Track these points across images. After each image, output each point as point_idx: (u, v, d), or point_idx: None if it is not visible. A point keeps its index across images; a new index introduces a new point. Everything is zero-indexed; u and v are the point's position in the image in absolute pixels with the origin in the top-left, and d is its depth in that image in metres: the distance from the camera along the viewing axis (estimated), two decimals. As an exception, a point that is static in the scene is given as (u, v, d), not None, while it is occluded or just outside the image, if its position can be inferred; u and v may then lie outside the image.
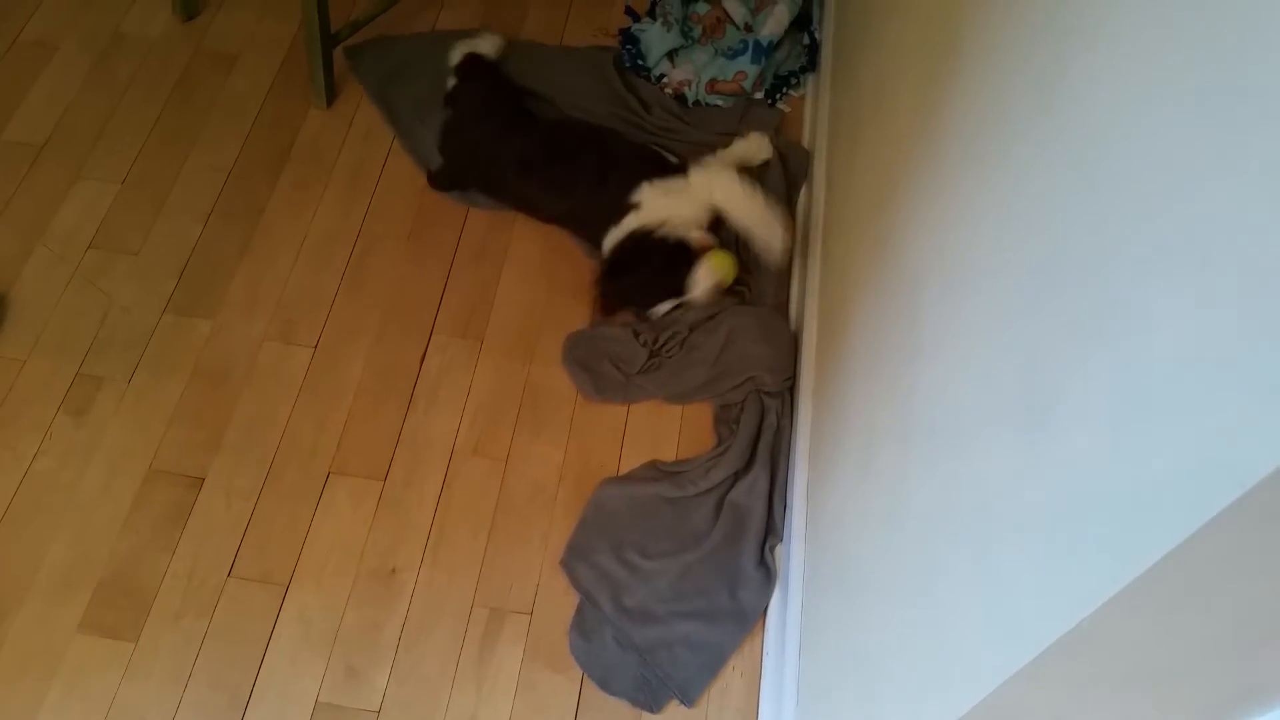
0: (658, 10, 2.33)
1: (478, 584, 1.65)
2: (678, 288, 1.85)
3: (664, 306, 1.87)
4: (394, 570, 1.66)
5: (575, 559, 1.67)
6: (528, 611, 1.63)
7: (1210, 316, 0.53)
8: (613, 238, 1.88)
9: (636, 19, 2.33)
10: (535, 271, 1.99)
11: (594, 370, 1.84)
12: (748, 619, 1.61)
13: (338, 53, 2.19)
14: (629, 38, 2.29)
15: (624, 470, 1.77)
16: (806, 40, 2.28)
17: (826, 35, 2.25)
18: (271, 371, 1.85)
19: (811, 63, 2.28)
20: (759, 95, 2.23)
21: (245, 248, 2.00)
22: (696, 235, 1.86)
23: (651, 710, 1.55)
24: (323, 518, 1.71)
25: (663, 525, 1.68)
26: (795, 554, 1.59)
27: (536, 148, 1.97)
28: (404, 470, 1.76)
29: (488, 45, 2.18)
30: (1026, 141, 0.85)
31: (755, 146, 2.05)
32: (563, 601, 1.64)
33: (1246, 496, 0.49)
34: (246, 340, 1.89)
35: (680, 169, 1.93)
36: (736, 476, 1.71)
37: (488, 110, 2.05)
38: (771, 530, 1.67)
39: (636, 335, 1.86)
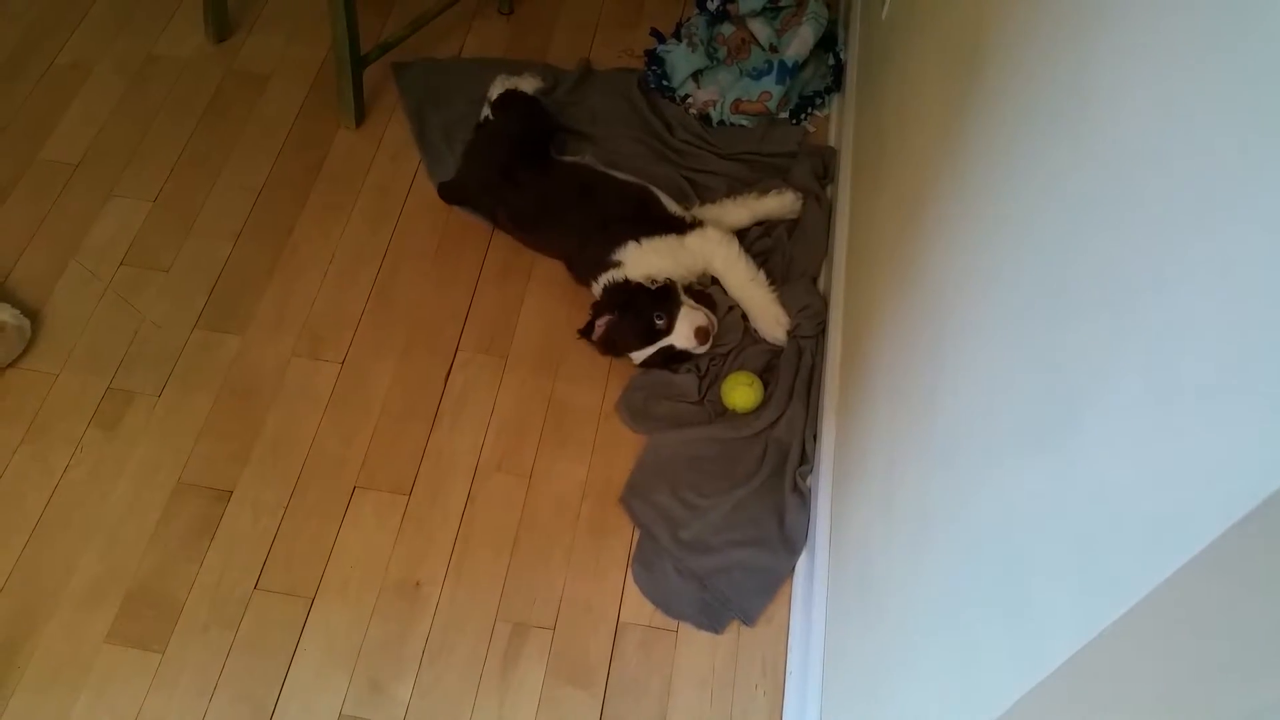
0: (683, 31, 2.35)
1: (501, 599, 1.66)
2: (655, 332, 1.81)
3: (644, 353, 1.84)
4: (418, 584, 1.67)
5: (634, 496, 1.75)
6: (550, 627, 1.63)
7: (1238, 336, 0.53)
8: (597, 286, 1.90)
9: (662, 40, 2.35)
10: (559, 290, 2.01)
11: (664, 416, 1.84)
12: (796, 545, 1.69)
13: (373, 70, 2.22)
14: (654, 59, 2.31)
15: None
16: (832, 61, 2.29)
17: (851, 55, 2.27)
18: (299, 387, 1.87)
19: (837, 83, 2.29)
20: (783, 115, 2.24)
21: (274, 265, 2.03)
22: (687, 299, 1.85)
23: (715, 631, 1.63)
24: (348, 532, 1.72)
25: (716, 467, 1.77)
26: (819, 573, 1.59)
27: (530, 204, 2.00)
28: (428, 485, 1.77)
29: (528, 84, 2.19)
30: (1052, 159, 0.85)
31: (786, 205, 2.03)
32: (585, 618, 1.64)
33: (1260, 509, 0.49)
34: (275, 356, 1.91)
35: (679, 224, 1.92)
36: (779, 416, 1.80)
37: (501, 153, 2.05)
38: (804, 459, 1.76)
39: (675, 370, 1.88)
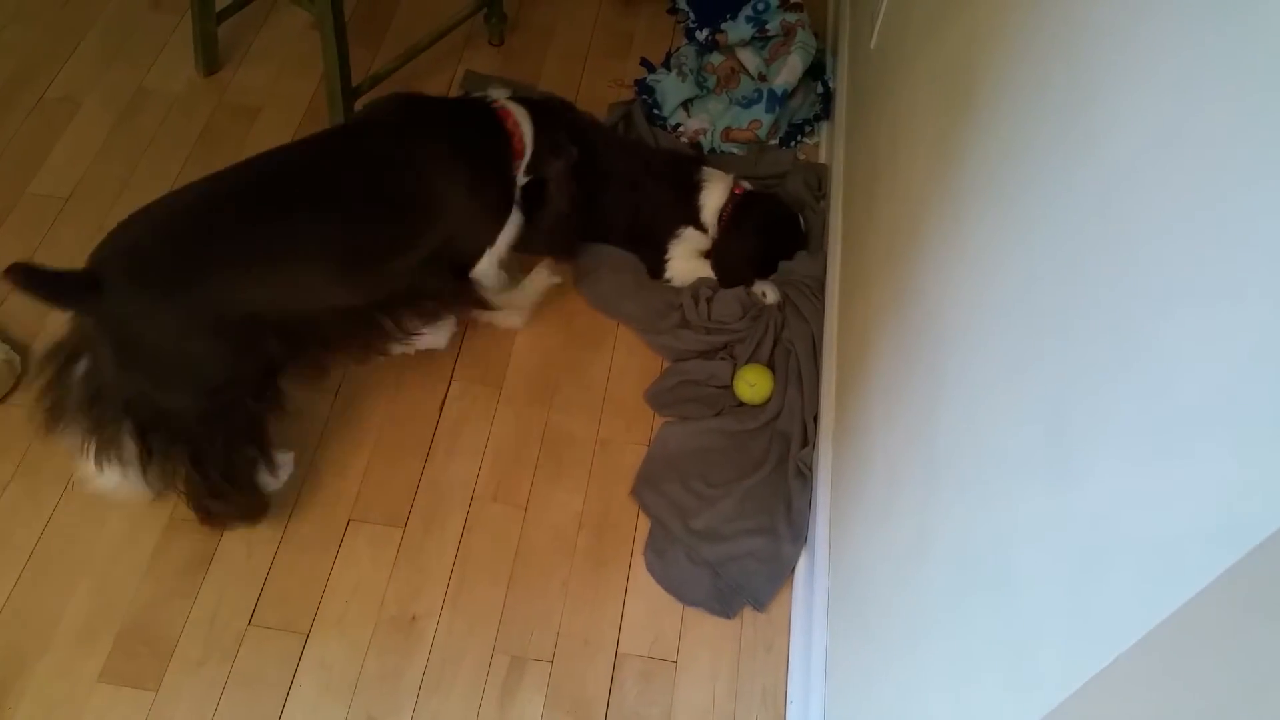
0: (672, 61, 2.37)
1: (498, 631, 1.65)
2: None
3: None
4: (414, 618, 1.65)
5: (645, 488, 1.79)
6: (548, 659, 1.62)
7: (1237, 360, 0.53)
8: (713, 204, 1.99)
9: (652, 69, 2.36)
10: (553, 319, 2.01)
11: (691, 399, 1.89)
12: (801, 530, 1.73)
13: (364, 101, 2.22)
14: (645, 88, 2.32)
15: (643, 521, 1.77)
16: (820, 89, 2.31)
17: (840, 83, 2.28)
18: (292, 419, 1.85)
19: (825, 111, 2.30)
20: (773, 143, 2.26)
21: (266, 297, 2.02)
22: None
23: (727, 616, 1.66)
24: (343, 565, 1.70)
25: (724, 458, 1.82)
26: (819, 601, 1.58)
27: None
28: (424, 517, 1.76)
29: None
30: (1047, 183, 0.86)
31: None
32: (583, 650, 1.63)
33: (1268, 542, 0.49)
34: (267, 388, 1.89)
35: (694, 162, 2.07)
36: (781, 409, 1.86)
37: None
38: (805, 441, 1.80)
39: (706, 355, 1.93)
